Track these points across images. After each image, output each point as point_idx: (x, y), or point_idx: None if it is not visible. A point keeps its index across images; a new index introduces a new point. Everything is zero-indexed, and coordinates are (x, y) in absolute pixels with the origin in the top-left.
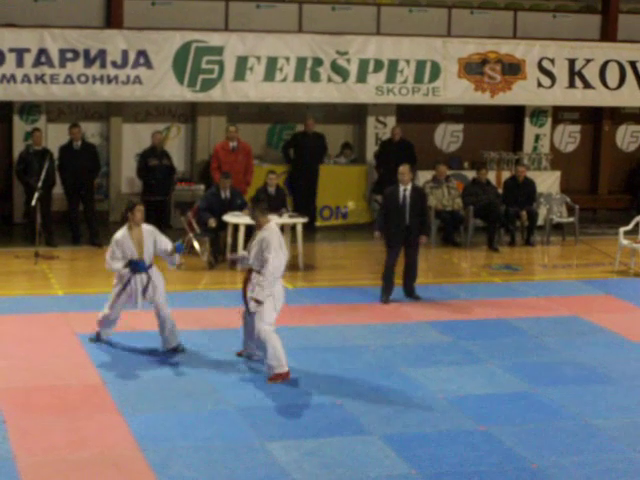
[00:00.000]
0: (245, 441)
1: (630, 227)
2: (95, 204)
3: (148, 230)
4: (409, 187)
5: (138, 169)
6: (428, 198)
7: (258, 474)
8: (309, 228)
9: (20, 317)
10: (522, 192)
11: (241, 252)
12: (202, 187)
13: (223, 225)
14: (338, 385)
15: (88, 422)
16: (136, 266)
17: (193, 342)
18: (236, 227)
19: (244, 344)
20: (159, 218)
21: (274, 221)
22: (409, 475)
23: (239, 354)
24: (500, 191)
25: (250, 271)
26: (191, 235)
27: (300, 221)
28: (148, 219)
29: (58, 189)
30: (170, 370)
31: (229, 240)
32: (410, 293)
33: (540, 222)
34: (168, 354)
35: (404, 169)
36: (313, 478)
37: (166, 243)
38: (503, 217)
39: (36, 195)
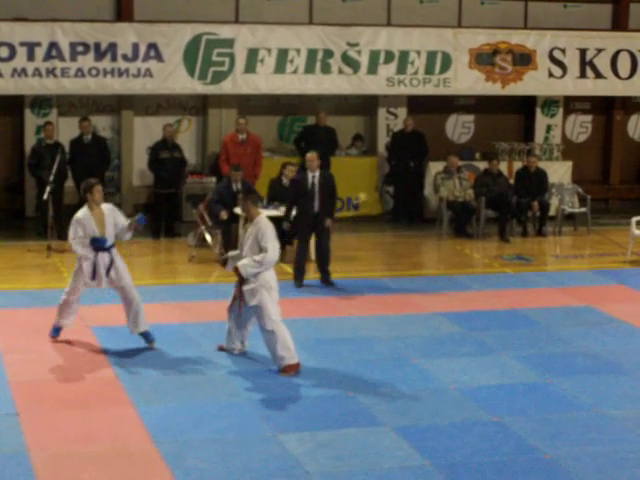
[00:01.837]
0: (258, 433)
1: None
2: (106, 197)
3: (109, 208)
4: (317, 174)
5: (149, 162)
6: (439, 189)
7: (272, 466)
8: None
9: (33, 310)
10: (534, 183)
11: (231, 252)
12: (213, 179)
13: (235, 217)
14: (351, 377)
15: (101, 415)
16: (98, 243)
17: (205, 334)
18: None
19: (226, 338)
20: (170, 211)
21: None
22: (422, 466)
23: (220, 348)
24: (512, 182)
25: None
26: (203, 227)
27: None
28: (160, 211)
29: (69, 182)
30: (182, 362)
31: (240, 232)
32: (324, 279)
33: (552, 212)
34: (174, 347)
35: (312, 156)
36: (326, 469)
37: (123, 220)
38: (515, 208)
39: (48, 189)
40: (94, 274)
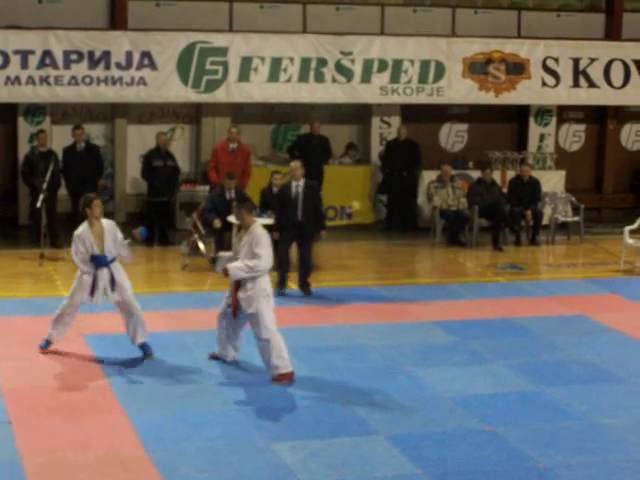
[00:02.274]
0: (251, 442)
1: (635, 226)
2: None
3: (109, 224)
4: (301, 183)
5: (143, 170)
6: (433, 198)
7: (264, 475)
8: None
9: (26, 318)
10: (527, 191)
11: (222, 253)
12: (207, 188)
13: (228, 226)
14: (344, 385)
15: (94, 423)
16: (98, 261)
17: (198, 342)
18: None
19: (218, 346)
20: (164, 219)
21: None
22: (415, 475)
23: (212, 356)
24: (505, 191)
25: (238, 281)
26: (196, 236)
27: None
28: (153, 220)
29: (62, 190)
30: (175, 371)
31: (234, 240)
32: (303, 287)
33: (545, 221)
34: (172, 354)
35: (296, 165)
36: (319, 478)
37: (122, 238)
38: (508, 217)
39: (41, 197)
40: (93, 290)
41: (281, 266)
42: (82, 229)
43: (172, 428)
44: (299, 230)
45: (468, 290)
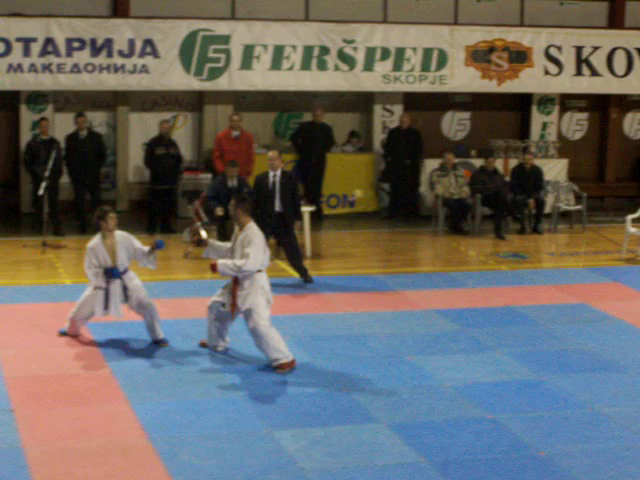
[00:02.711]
0: (253, 429)
1: (637, 215)
2: (101, 193)
3: (122, 236)
4: (278, 173)
5: (145, 158)
6: (435, 186)
7: (266, 462)
8: (316, 217)
9: (28, 306)
10: (529, 180)
11: (216, 242)
12: (209, 176)
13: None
14: (345, 373)
15: (96, 411)
16: (110, 274)
17: (200, 330)
18: None
19: (208, 338)
20: (166, 207)
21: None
22: (417, 463)
23: (202, 344)
24: (507, 179)
25: (236, 279)
26: (198, 224)
27: (307, 209)
28: (155, 208)
29: (65, 178)
30: (177, 359)
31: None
32: (302, 274)
33: (547, 210)
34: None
35: (273, 154)
36: (321, 466)
37: (140, 246)
38: (510, 205)
39: (43, 185)
40: (106, 304)
41: None
42: (95, 242)
43: (174, 416)
44: (278, 220)
45: (470, 278)
